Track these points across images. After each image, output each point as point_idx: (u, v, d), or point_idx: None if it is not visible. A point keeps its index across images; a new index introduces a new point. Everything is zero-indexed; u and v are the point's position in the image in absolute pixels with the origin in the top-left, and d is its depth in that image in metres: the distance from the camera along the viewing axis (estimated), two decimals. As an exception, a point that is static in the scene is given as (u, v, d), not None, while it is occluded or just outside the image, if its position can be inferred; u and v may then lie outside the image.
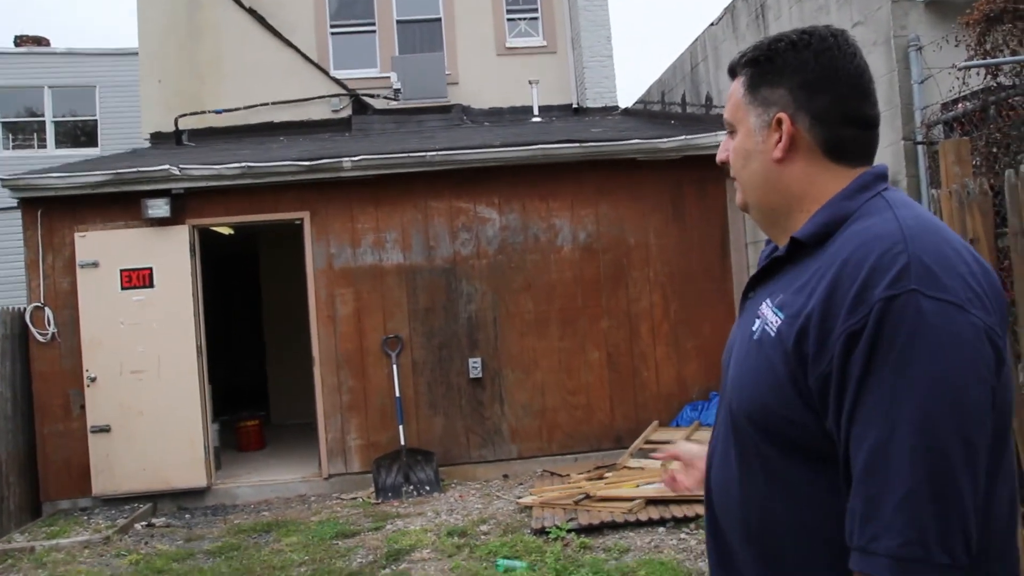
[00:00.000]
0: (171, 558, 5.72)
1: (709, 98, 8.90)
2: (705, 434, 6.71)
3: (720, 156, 1.39)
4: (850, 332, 1.07)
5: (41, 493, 7.31)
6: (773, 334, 1.18)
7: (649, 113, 10.70)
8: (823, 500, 1.14)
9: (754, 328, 1.24)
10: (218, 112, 10.46)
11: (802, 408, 1.13)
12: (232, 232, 9.34)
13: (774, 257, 1.29)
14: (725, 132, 1.39)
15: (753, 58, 1.30)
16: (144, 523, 6.85)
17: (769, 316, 1.21)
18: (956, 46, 5.16)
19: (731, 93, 1.35)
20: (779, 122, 1.25)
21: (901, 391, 1.03)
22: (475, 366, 7.61)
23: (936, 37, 5.34)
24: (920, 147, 5.31)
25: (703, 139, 7.62)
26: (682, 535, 5.38)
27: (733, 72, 1.35)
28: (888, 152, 5.56)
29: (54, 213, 7.44)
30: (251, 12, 10.73)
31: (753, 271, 1.51)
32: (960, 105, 4.97)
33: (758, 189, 1.32)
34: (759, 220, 1.37)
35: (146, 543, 6.26)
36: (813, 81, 1.24)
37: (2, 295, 12.33)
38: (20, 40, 16.12)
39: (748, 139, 1.31)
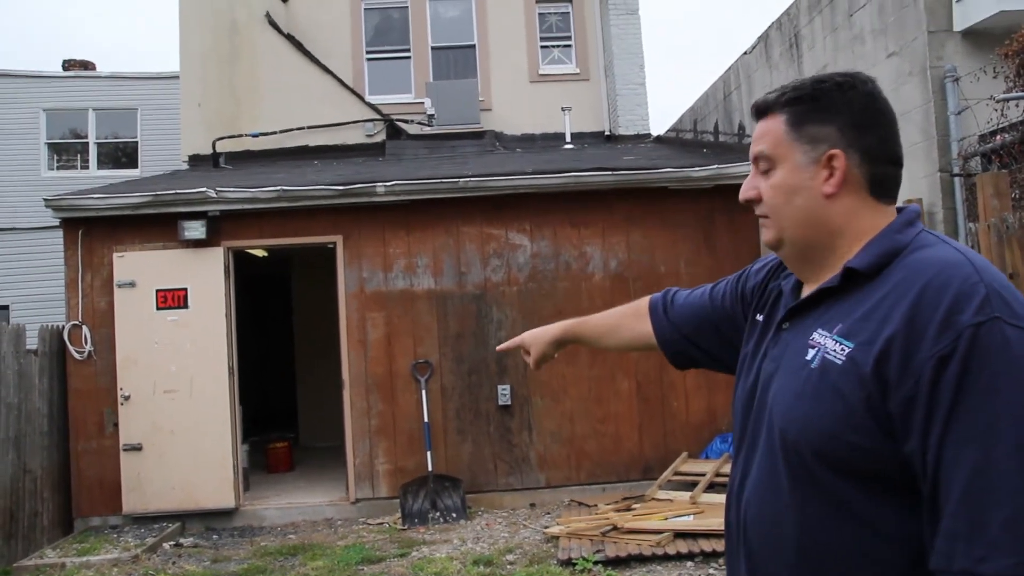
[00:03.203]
0: (198, 579, 5.74)
1: (742, 127, 8.87)
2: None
3: (747, 194, 1.37)
4: (940, 356, 1.10)
5: (73, 509, 7.40)
6: (841, 361, 1.19)
7: (681, 141, 10.68)
8: (888, 526, 1.17)
9: (808, 357, 1.25)
10: (255, 136, 10.63)
11: (876, 433, 1.15)
12: (266, 254, 9.47)
13: (822, 288, 1.29)
14: None
15: (796, 97, 1.32)
16: (172, 543, 6.89)
17: (830, 345, 1.22)
18: (994, 77, 5.10)
19: (767, 131, 1.34)
20: (830, 158, 1.28)
21: (996, 415, 1.07)
22: (504, 393, 7.59)
23: (973, 68, 5.28)
24: (957, 179, 5.24)
25: (736, 168, 7.58)
26: (710, 570, 5.28)
27: (762, 112, 1.35)
28: (924, 184, 5.49)
29: (94, 233, 7.60)
30: (289, 37, 10.94)
31: (763, 304, 1.50)
32: (999, 137, 4.90)
33: (800, 225, 1.32)
34: (791, 256, 1.37)
35: (174, 563, 6.29)
36: (862, 120, 1.29)
37: (40, 313, 12.58)
38: (68, 64, 16.57)
39: (793, 175, 1.31)
